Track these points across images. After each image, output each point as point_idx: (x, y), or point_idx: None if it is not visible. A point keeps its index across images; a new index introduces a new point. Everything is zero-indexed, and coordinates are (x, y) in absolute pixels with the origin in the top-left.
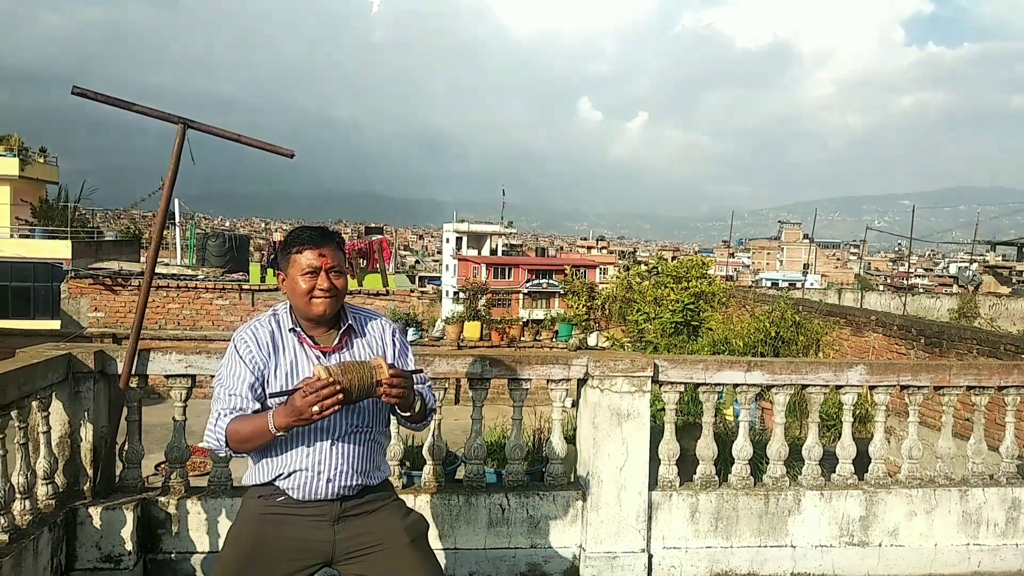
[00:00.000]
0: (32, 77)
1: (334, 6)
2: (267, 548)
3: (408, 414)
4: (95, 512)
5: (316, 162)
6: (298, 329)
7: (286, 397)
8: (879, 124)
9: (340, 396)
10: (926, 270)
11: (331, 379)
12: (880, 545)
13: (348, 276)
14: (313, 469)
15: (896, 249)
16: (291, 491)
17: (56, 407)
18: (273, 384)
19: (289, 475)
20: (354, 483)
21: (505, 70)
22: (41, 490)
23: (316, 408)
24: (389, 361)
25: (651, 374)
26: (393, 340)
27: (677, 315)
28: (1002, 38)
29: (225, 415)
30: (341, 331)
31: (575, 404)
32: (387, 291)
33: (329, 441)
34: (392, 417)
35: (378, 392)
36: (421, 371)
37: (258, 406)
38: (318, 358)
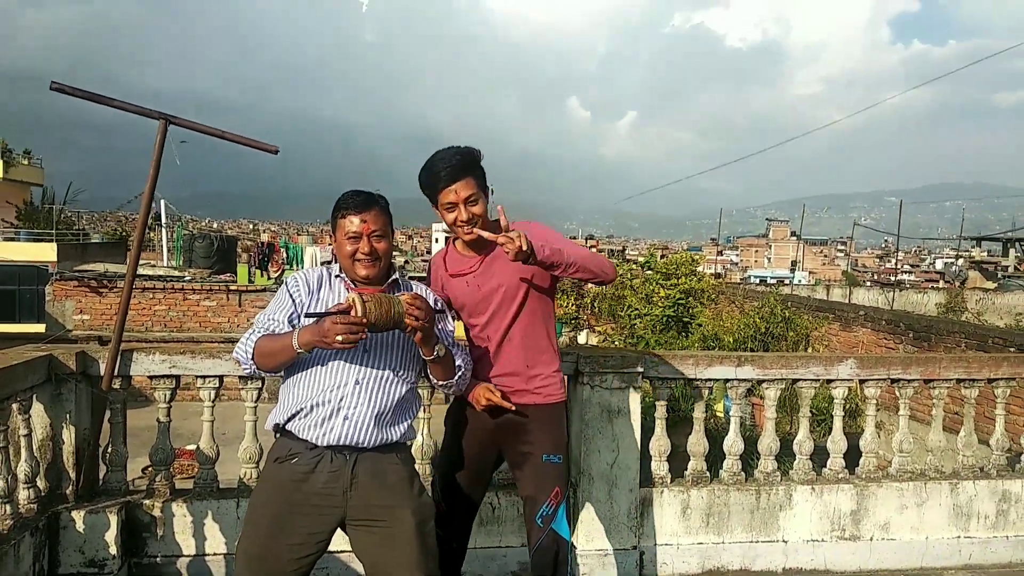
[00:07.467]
0: (17, 78)
1: (325, 4)
2: (284, 520)
3: (432, 357)
4: (78, 516)
5: (304, 162)
6: (343, 276)
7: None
8: (866, 122)
9: (364, 333)
10: (912, 266)
11: (362, 315)
12: (871, 539)
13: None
14: (333, 404)
15: (883, 245)
16: (307, 430)
17: (37, 409)
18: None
19: (311, 409)
20: (372, 430)
21: (496, 68)
22: (22, 494)
23: (340, 337)
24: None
25: (642, 370)
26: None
27: (668, 311)
28: (987, 36)
29: (258, 332)
30: (387, 284)
31: None
32: None
33: (355, 380)
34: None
35: (405, 321)
36: (444, 312)
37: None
38: None
